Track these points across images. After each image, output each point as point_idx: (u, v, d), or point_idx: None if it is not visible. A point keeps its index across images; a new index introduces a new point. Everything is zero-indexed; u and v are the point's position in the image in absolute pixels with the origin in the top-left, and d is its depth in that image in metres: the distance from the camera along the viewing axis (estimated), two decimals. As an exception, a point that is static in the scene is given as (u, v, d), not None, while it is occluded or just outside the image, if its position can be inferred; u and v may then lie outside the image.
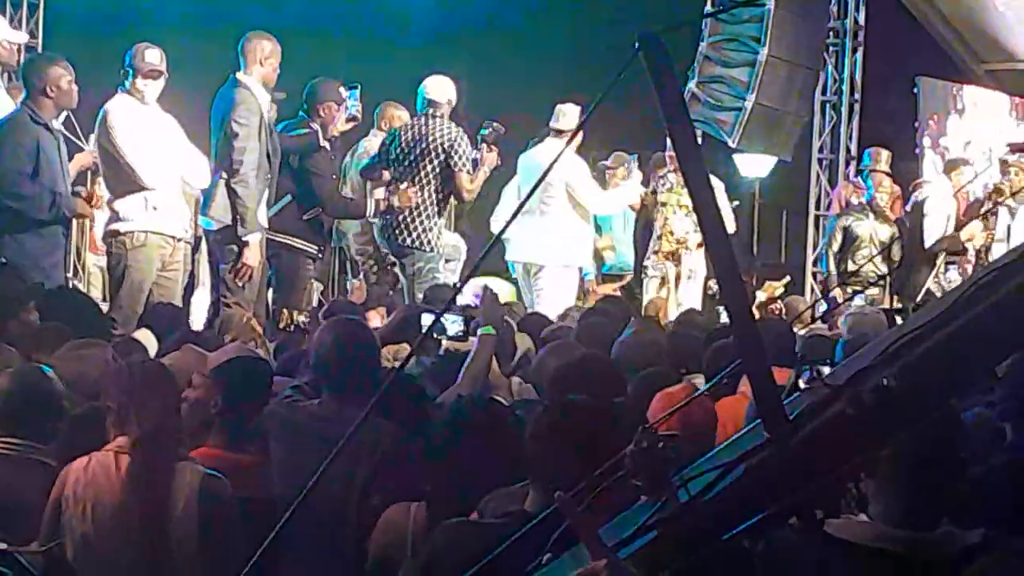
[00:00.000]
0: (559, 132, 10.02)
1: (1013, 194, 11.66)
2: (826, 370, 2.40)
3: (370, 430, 4.28)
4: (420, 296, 8.95)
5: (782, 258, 14.21)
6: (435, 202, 9.45)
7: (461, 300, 6.79)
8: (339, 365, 4.53)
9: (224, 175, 8.23)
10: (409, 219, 9.38)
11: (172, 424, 3.97)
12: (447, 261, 9.88)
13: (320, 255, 9.18)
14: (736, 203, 12.37)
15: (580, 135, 9.39)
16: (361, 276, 10.27)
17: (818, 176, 14.63)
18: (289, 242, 8.86)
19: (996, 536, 2.49)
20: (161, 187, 8.02)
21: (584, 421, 3.28)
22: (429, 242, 9.40)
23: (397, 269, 9.71)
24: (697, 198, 2.25)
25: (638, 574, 1.97)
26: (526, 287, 10.26)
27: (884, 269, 11.83)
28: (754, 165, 13.11)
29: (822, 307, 11.33)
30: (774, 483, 2.19)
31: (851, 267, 11.87)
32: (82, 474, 3.86)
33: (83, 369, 4.86)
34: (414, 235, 9.39)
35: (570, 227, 10.11)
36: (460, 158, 9.36)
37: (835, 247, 12.21)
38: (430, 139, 9.40)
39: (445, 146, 9.37)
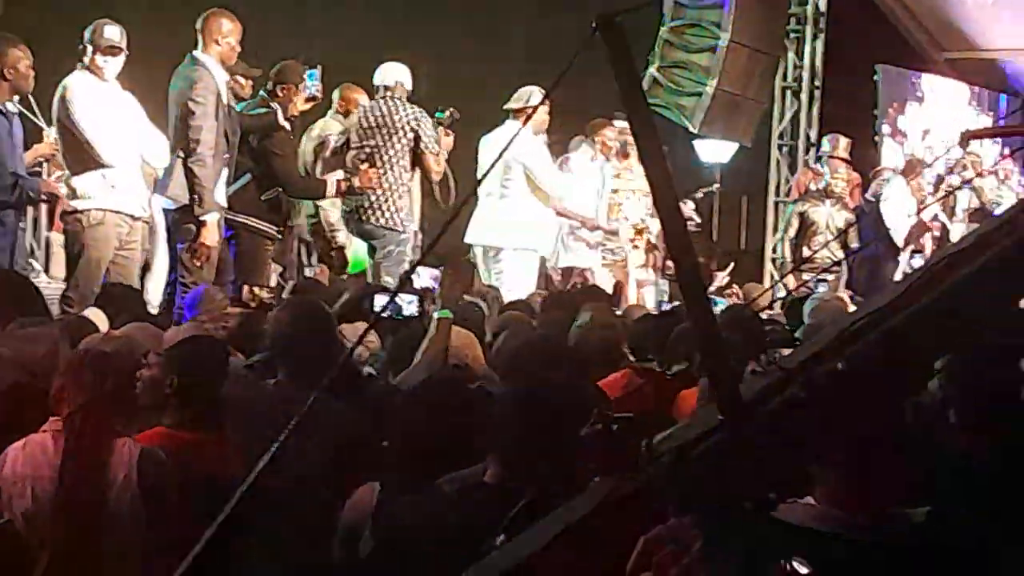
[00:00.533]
0: (516, 113, 10.01)
1: (978, 174, 11.74)
2: (785, 352, 2.41)
3: (329, 411, 4.28)
4: (388, 279, 8.96)
5: (741, 244, 14.26)
6: (403, 183, 9.46)
7: (420, 282, 6.80)
8: (296, 346, 4.52)
9: (181, 154, 8.18)
10: (379, 200, 9.38)
11: (106, 400, 3.92)
12: (414, 246, 9.89)
13: (279, 236, 9.14)
14: (716, 186, 12.41)
15: (543, 119, 9.41)
16: (316, 260, 10.24)
17: (778, 162, 14.70)
18: (248, 222, 8.82)
19: (942, 514, 2.51)
20: (120, 165, 7.97)
21: (550, 401, 3.29)
22: (400, 223, 9.42)
23: (357, 251, 9.71)
24: (655, 184, 2.24)
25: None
26: (486, 270, 10.26)
27: (840, 255, 11.89)
28: (715, 151, 13.17)
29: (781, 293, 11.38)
30: (727, 465, 2.19)
31: (807, 253, 11.94)
32: (20, 454, 3.85)
33: (30, 348, 4.81)
34: (385, 216, 9.40)
35: (530, 211, 10.11)
36: (428, 139, 9.41)
37: (791, 233, 12.28)
38: (394, 119, 9.43)
39: (412, 125, 9.41)
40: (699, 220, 11.41)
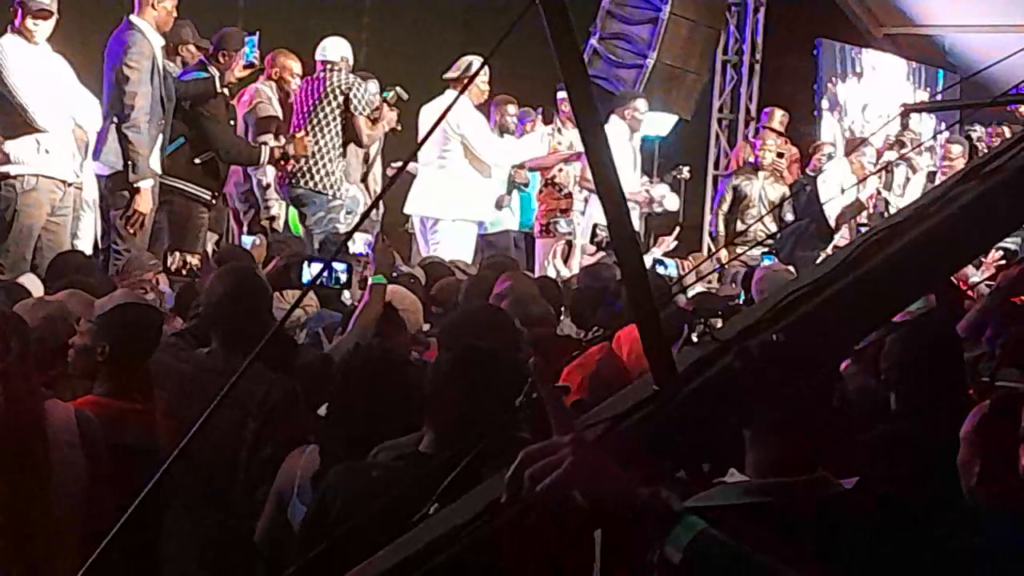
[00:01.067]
0: (455, 83, 9.98)
1: (915, 147, 11.82)
2: (718, 324, 2.40)
3: (260, 381, 4.25)
4: (316, 245, 8.93)
5: (680, 218, 14.28)
6: (334, 147, 9.44)
7: (354, 248, 6.77)
8: (231, 314, 4.47)
9: (116, 120, 8.09)
10: (309, 165, 9.36)
11: (28, 363, 3.79)
12: (347, 212, 9.84)
13: (214, 201, 9.06)
14: (687, 169, 12.39)
15: (483, 90, 9.38)
16: (259, 235, 10.16)
17: (717, 136, 14.74)
18: (181, 187, 8.73)
19: (873, 486, 2.53)
20: (53, 129, 7.85)
21: (486, 366, 3.27)
22: (331, 187, 9.41)
23: (281, 214, 9.68)
24: (592, 155, 2.22)
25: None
26: (424, 241, 10.24)
27: (773, 228, 11.92)
28: (654, 124, 13.14)
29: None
30: (661, 437, 2.19)
31: (740, 227, 11.97)
32: None
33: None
34: (314, 181, 9.38)
35: (469, 181, 10.09)
36: (359, 102, 9.47)
37: (724, 207, 12.31)
38: (327, 85, 9.48)
39: (343, 89, 9.44)
40: (676, 204, 11.34)
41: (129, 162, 8.07)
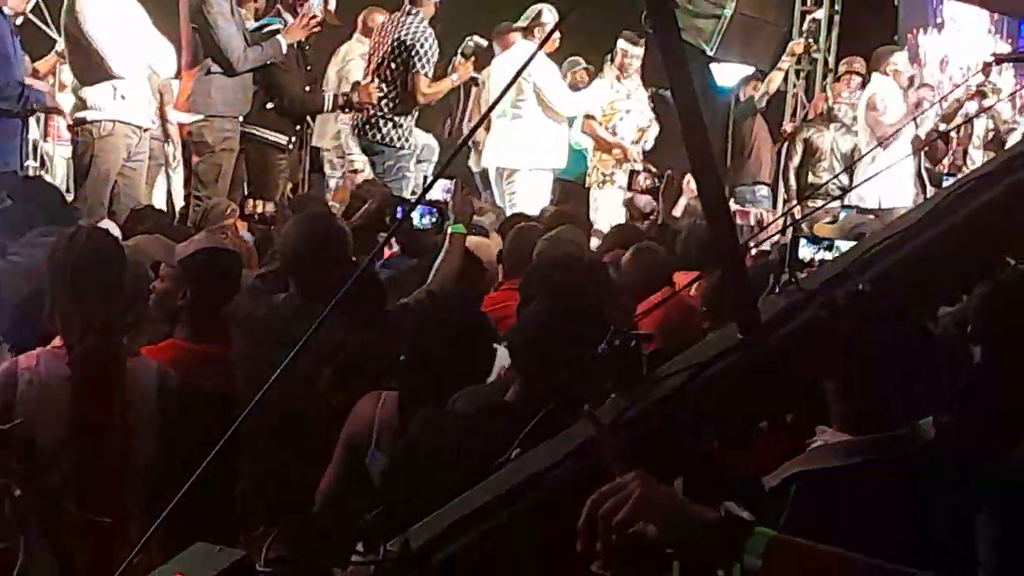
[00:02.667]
0: (526, 32, 9.91)
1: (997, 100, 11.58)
2: (802, 275, 2.38)
3: (337, 329, 4.26)
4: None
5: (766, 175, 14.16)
6: (403, 100, 9.42)
7: (432, 195, 6.76)
8: (308, 261, 4.48)
9: (202, 69, 8.19)
10: (378, 116, 9.37)
11: (117, 315, 3.79)
12: (419, 162, 9.85)
13: (290, 147, 9.10)
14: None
15: (553, 38, 9.32)
16: (340, 177, 10.21)
17: (795, 87, 14.55)
18: (256, 133, 8.79)
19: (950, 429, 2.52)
20: (129, 75, 7.91)
21: (579, 319, 3.26)
22: (399, 138, 9.42)
23: (365, 167, 9.69)
24: (682, 103, 2.21)
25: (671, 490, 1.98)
26: (499, 193, 10.23)
27: (846, 181, 11.67)
28: (731, 75, 13.01)
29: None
30: (744, 386, 2.18)
31: (811, 180, 11.79)
32: (32, 373, 3.70)
33: (42, 255, 4.78)
34: (383, 132, 9.39)
35: (544, 129, 10.06)
36: (420, 59, 9.39)
37: (795, 161, 12.14)
38: (398, 35, 9.40)
39: (408, 43, 9.35)
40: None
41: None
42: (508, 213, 9.23)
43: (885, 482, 2.27)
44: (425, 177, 9.35)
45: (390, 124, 9.42)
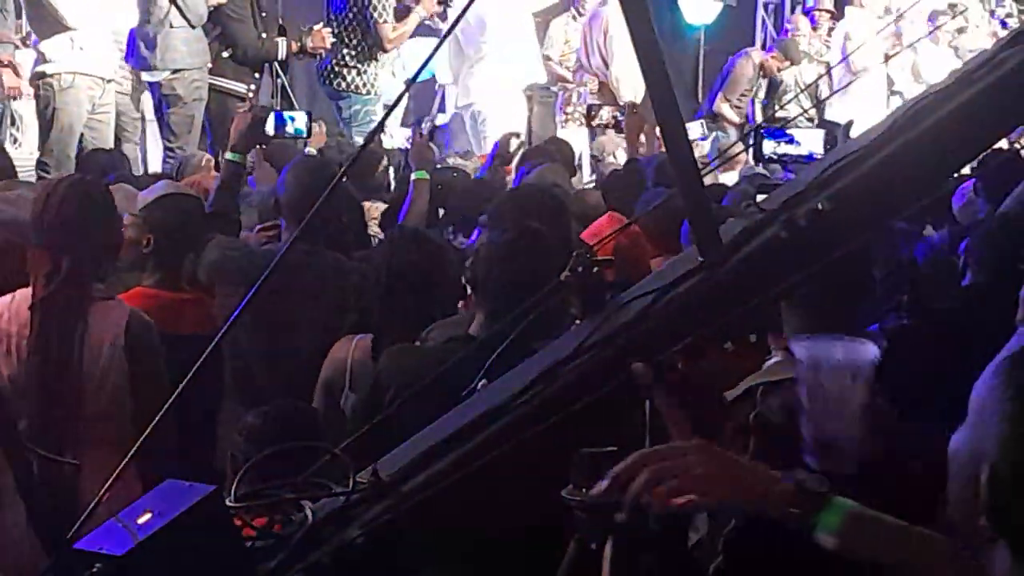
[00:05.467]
0: None
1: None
2: (760, 197, 2.39)
3: (350, 272, 4.26)
4: (358, 139, 8.93)
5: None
6: (367, 46, 9.40)
7: (394, 144, 6.78)
8: (310, 205, 4.43)
9: (164, 23, 8.16)
10: (340, 65, 9.35)
11: (91, 257, 3.76)
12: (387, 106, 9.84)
13: (250, 94, 9.05)
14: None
15: None
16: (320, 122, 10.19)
17: (763, 21, 14.51)
18: (215, 82, 8.75)
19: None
20: (84, 26, 7.83)
21: (538, 247, 3.26)
22: (363, 84, 9.41)
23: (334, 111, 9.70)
24: (639, 41, 2.20)
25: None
26: (473, 132, 10.22)
27: (812, 112, 11.66)
28: (699, 11, 12.95)
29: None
30: (707, 307, 2.19)
31: (779, 114, 11.79)
32: (7, 311, 3.72)
33: (13, 211, 4.76)
34: (347, 80, 9.39)
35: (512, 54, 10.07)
36: (376, 10, 9.32)
37: (760, 95, 12.15)
38: None
39: None
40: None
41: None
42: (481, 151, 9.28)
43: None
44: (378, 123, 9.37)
45: (354, 72, 9.43)
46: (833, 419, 1.93)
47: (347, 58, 9.39)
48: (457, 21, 5.00)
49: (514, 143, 6.89)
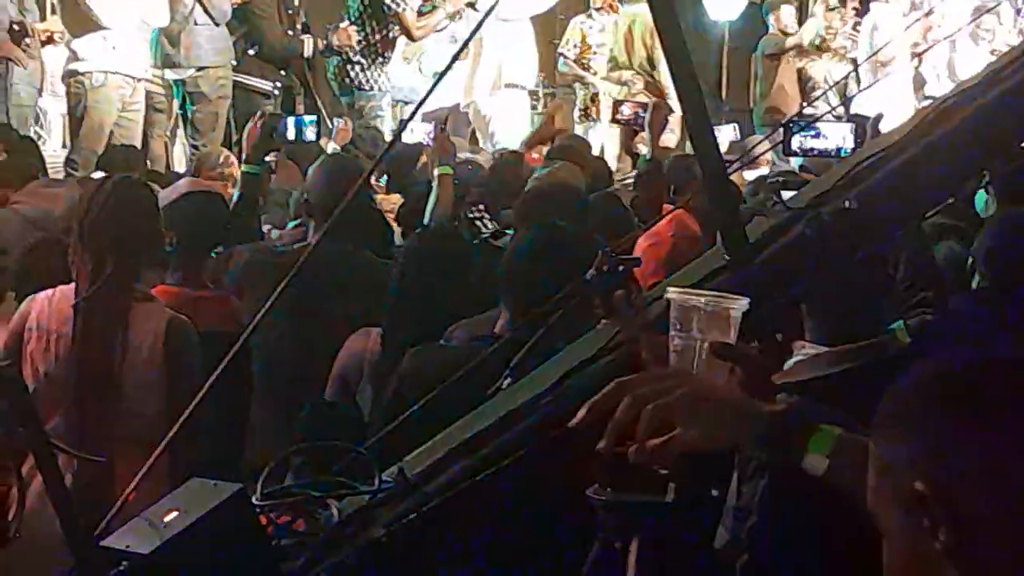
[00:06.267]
0: None
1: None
2: (787, 195, 2.38)
3: (381, 270, 4.27)
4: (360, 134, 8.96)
5: (750, 102, 14.07)
6: (376, 42, 9.43)
7: (414, 138, 6.77)
8: (333, 203, 4.45)
9: (196, 21, 8.19)
10: (352, 59, 9.37)
11: (134, 257, 3.76)
12: (398, 102, 9.88)
13: (275, 93, 9.07)
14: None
15: None
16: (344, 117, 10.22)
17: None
18: (240, 80, 8.77)
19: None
20: (119, 26, 7.87)
21: (567, 245, 3.24)
22: (367, 80, 9.44)
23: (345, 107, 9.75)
24: (664, 30, 2.20)
25: None
26: (482, 128, 10.25)
27: (841, 110, 11.58)
28: (723, 8, 12.91)
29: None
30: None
31: (807, 111, 11.73)
32: (47, 306, 3.73)
33: (48, 207, 4.81)
34: (351, 76, 9.46)
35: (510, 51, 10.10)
36: (395, 2, 9.33)
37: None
38: None
39: None
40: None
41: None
42: (492, 144, 9.34)
43: (860, 387, 2.28)
44: (401, 120, 9.40)
45: (358, 68, 9.46)
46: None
47: (353, 55, 9.43)
48: (480, 24, 4.98)
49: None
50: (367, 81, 9.51)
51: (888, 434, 1.36)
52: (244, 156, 5.06)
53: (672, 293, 1.83)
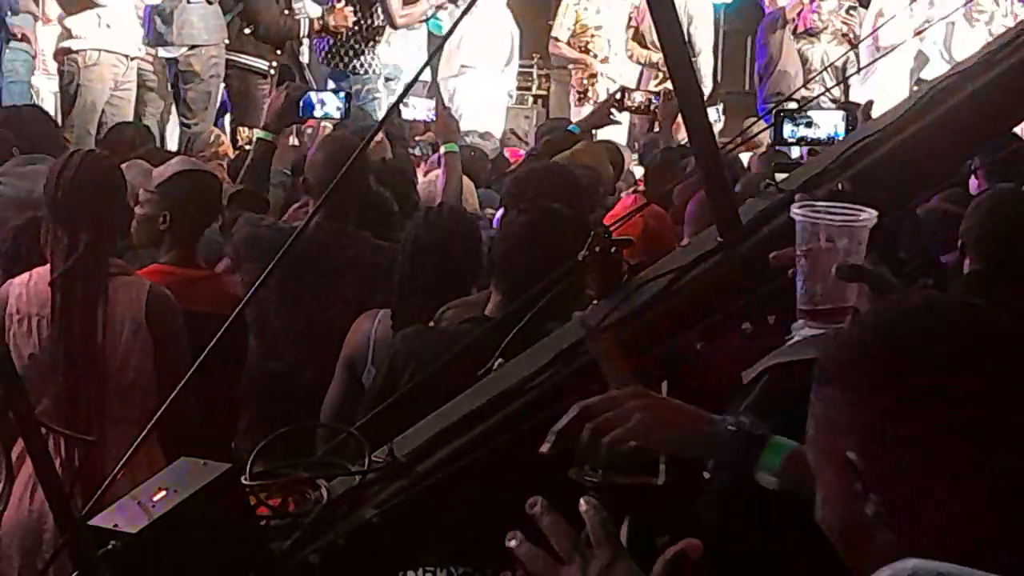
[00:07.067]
0: None
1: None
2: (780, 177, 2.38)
3: (380, 252, 4.26)
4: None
5: (745, 86, 14.05)
6: (367, 26, 9.41)
7: (415, 115, 6.70)
8: (329, 182, 4.41)
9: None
10: (342, 42, 9.35)
11: (108, 231, 3.74)
12: (388, 80, 9.86)
13: (271, 72, 9.03)
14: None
15: None
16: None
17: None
18: (236, 59, 8.73)
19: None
20: (112, 4, 7.84)
21: (558, 228, 3.23)
22: (361, 65, 9.43)
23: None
24: (662, 26, 2.19)
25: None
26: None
27: (837, 93, 11.52)
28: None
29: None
30: (726, 287, 2.18)
31: (803, 93, 11.67)
32: (24, 290, 3.70)
33: (29, 185, 4.77)
34: (343, 60, 9.42)
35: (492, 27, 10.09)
36: None
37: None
38: None
39: None
40: None
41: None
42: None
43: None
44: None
45: (351, 52, 9.43)
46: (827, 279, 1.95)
47: (345, 39, 9.40)
48: (466, 11, 4.95)
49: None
50: (360, 65, 9.49)
51: (825, 391, 1.38)
52: (263, 123, 5.00)
53: (795, 210, 1.93)
